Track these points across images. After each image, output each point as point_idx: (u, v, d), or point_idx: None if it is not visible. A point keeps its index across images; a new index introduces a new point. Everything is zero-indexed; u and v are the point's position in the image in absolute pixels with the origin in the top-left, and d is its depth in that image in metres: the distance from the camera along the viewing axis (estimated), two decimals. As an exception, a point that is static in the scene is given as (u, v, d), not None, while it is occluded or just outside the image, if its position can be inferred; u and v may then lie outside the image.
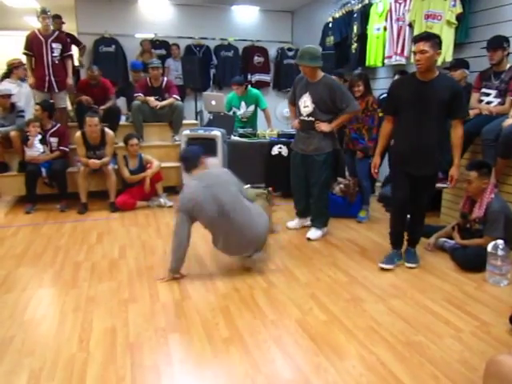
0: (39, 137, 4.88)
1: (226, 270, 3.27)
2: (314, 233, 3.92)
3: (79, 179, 4.82)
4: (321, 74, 3.72)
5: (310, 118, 3.75)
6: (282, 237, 3.99)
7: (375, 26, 5.68)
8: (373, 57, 5.74)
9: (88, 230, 4.18)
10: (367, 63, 5.85)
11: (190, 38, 7.89)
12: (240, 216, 2.99)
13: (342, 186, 4.51)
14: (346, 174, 4.79)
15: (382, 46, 5.58)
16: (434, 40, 2.86)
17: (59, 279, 3.11)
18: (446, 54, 4.57)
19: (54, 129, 4.96)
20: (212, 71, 8.02)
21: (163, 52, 7.67)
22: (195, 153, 3.20)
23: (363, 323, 2.51)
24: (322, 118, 3.73)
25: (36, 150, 4.84)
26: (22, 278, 3.14)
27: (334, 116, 3.77)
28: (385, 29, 5.50)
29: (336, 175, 4.85)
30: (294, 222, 4.22)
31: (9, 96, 5.17)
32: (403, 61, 5.26)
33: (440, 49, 2.92)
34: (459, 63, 4.35)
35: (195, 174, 3.10)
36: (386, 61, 5.52)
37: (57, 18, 6.37)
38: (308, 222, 4.21)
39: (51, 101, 5.18)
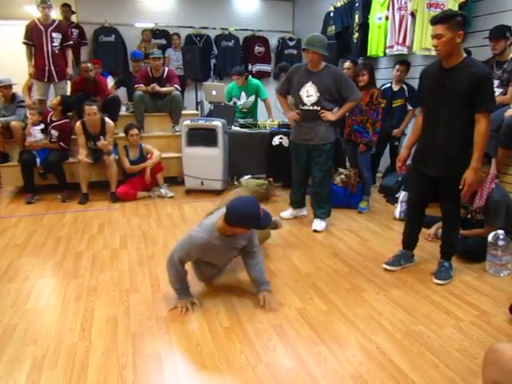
0: (41, 126, 4.88)
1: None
2: (319, 224, 3.91)
3: (80, 169, 4.82)
4: (323, 62, 3.70)
5: (315, 108, 3.70)
6: (283, 227, 3.98)
7: (377, 15, 5.64)
8: (374, 46, 5.71)
9: (89, 220, 4.19)
10: (368, 53, 5.82)
11: (191, 27, 7.83)
12: None
13: (342, 176, 4.50)
14: (347, 164, 4.79)
15: (384, 36, 5.54)
16: (454, 20, 2.48)
17: (61, 269, 3.12)
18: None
19: (59, 122, 4.94)
20: (212, 61, 7.98)
21: (163, 42, 7.61)
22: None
23: (363, 313, 2.52)
24: (327, 107, 3.71)
25: (35, 138, 4.84)
26: (23, 267, 3.16)
27: (335, 105, 3.78)
28: (386, 18, 5.46)
29: (336, 165, 4.87)
30: (288, 212, 4.22)
31: (10, 86, 5.15)
32: (405, 50, 5.22)
33: (463, 29, 2.51)
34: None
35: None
36: (387, 50, 5.48)
37: (65, 7, 6.34)
38: (303, 212, 4.22)
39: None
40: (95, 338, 2.27)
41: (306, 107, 3.74)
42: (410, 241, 3.15)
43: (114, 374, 2.00)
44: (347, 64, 5.19)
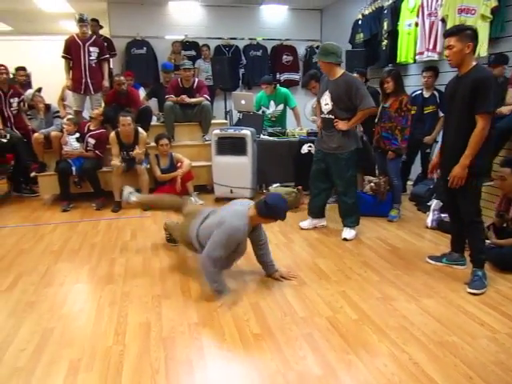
0: (77, 135, 5.06)
1: (255, 267, 3.29)
2: (349, 233, 3.89)
3: (113, 178, 4.96)
4: (340, 71, 3.68)
5: (330, 116, 3.74)
6: (311, 235, 3.99)
7: (406, 21, 5.59)
8: (404, 53, 5.66)
9: (122, 228, 4.30)
10: (398, 60, 5.77)
11: (219, 38, 7.97)
12: None
13: (372, 184, 4.47)
14: (376, 172, 4.75)
15: (414, 42, 5.48)
16: (464, 33, 2.71)
17: (95, 275, 3.22)
18: (481, 48, 4.45)
19: (97, 132, 5.14)
20: (241, 71, 8.08)
21: (193, 53, 7.77)
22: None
23: (395, 322, 2.49)
24: (342, 116, 3.70)
25: (71, 147, 5.03)
26: (60, 273, 3.27)
27: (353, 114, 3.72)
28: (416, 24, 5.41)
29: (365, 173, 4.84)
30: (307, 223, 4.19)
31: (39, 91, 5.37)
32: (435, 57, 5.15)
33: (472, 41, 2.71)
34: (499, 58, 4.18)
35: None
36: (417, 57, 5.42)
37: (93, 21, 6.56)
38: (322, 223, 4.19)
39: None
40: (129, 343, 2.33)
41: (323, 115, 3.81)
42: (454, 242, 3.22)
43: (147, 378, 2.04)
44: (354, 75, 5.16)
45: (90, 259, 3.51)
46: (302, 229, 4.14)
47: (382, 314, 2.58)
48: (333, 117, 3.72)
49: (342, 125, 3.70)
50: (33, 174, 5.36)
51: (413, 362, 2.13)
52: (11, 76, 5.90)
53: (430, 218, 4.16)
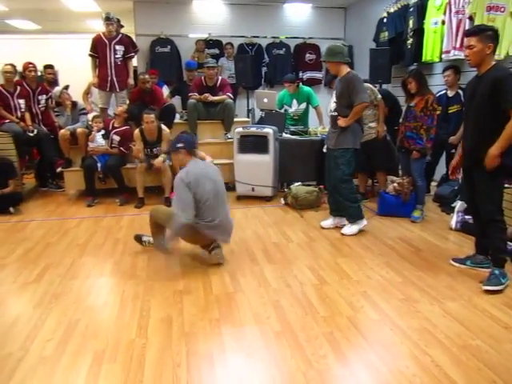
0: (102, 132, 5.16)
1: (276, 265, 3.31)
2: (346, 229, 3.96)
3: (136, 175, 5.04)
4: (346, 70, 3.78)
5: (335, 114, 3.86)
6: (333, 234, 3.98)
7: (432, 19, 5.50)
8: (429, 52, 5.57)
9: (145, 224, 4.31)
10: (423, 58, 5.68)
11: (243, 36, 7.99)
12: (226, 203, 3.39)
13: (395, 184, 4.42)
14: (400, 172, 4.70)
15: (440, 41, 5.39)
16: (485, 33, 2.74)
17: (119, 269, 3.28)
18: (510, 47, 4.36)
19: (121, 129, 5.23)
20: (264, 69, 8.08)
21: (216, 51, 7.82)
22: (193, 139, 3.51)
23: (417, 324, 2.46)
24: (344, 113, 3.80)
25: (97, 144, 5.13)
26: (85, 266, 3.34)
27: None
28: (443, 22, 5.31)
29: (388, 173, 4.80)
30: (329, 222, 4.19)
31: (66, 88, 5.49)
32: (462, 55, 5.04)
33: (493, 42, 2.74)
34: None
35: (191, 160, 3.30)
36: (443, 56, 5.33)
37: (115, 22, 6.64)
38: (344, 222, 4.13)
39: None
40: (151, 336, 2.37)
41: (330, 113, 3.98)
42: (477, 242, 3.18)
43: (169, 372, 2.07)
44: None
45: (113, 254, 3.58)
46: (323, 228, 4.13)
47: (404, 316, 2.55)
48: (337, 114, 3.84)
49: (341, 121, 3.80)
50: (59, 170, 5.49)
51: (435, 365, 2.10)
52: (39, 74, 6.04)
53: (454, 220, 4.08)
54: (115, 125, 5.26)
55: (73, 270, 3.26)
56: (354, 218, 3.97)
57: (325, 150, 5.18)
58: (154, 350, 2.25)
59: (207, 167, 3.41)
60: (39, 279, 3.10)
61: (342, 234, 3.92)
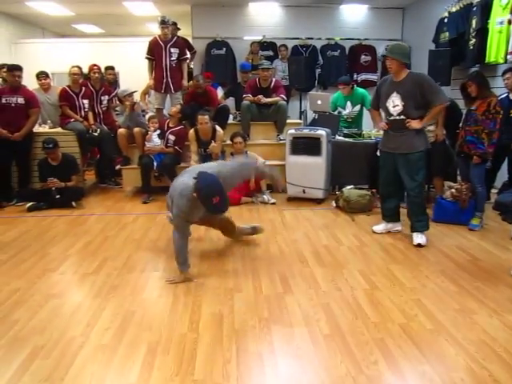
0: (158, 132, 5.35)
1: (327, 268, 3.28)
2: (420, 238, 3.75)
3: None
4: (406, 71, 3.66)
5: (402, 117, 3.67)
6: (385, 239, 3.89)
7: (498, 19, 5.25)
8: (494, 53, 5.31)
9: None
10: (487, 60, 5.43)
11: (297, 38, 7.99)
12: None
13: (453, 190, 4.25)
14: (458, 178, 4.52)
15: (505, 41, 5.13)
16: None
17: (172, 264, 3.36)
18: None
19: (176, 128, 5.40)
20: (317, 71, 8.04)
21: (270, 53, 7.87)
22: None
23: (474, 336, 2.37)
24: (414, 115, 3.63)
25: (153, 143, 5.32)
26: (140, 260, 3.48)
27: (424, 112, 3.66)
28: (509, 22, 5.05)
29: (444, 179, 4.63)
30: (381, 227, 4.08)
31: (132, 94, 5.71)
32: (530, 56, 4.79)
33: None
34: None
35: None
36: (509, 57, 5.07)
37: (171, 24, 6.85)
38: (397, 227, 4.05)
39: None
40: (202, 331, 2.43)
41: (392, 117, 3.74)
42: None
43: (219, 367, 2.12)
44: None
45: (167, 249, 3.68)
46: (375, 232, 4.05)
47: (460, 327, 2.46)
48: (404, 117, 3.66)
49: (415, 124, 3.63)
50: (117, 167, 5.74)
51: (493, 379, 2.01)
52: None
53: (516, 229, 3.88)
54: (170, 125, 5.43)
55: (129, 264, 3.40)
56: (426, 227, 3.81)
57: (378, 154, 5.06)
58: (205, 344, 2.30)
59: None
60: (98, 271, 3.26)
61: (419, 245, 3.69)
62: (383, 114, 3.93)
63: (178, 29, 7.12)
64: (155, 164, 5.29)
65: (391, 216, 4.05)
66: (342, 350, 2.24)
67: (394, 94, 3.68)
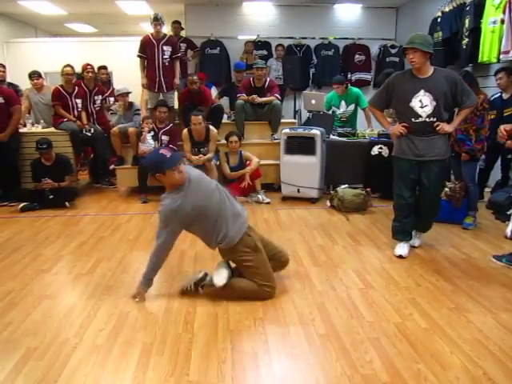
0: (152, 133, 5.31)
1: (321, 267, 3.28)
2: (417, 240, 3.70)
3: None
4: (431, 66, 3.29)
5: (431, 119, 3.24)
6: (380, 239, 3.90)
7: (491, 19, 5.27)
8: (486, 52, 5.34)
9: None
10: (480, 59, 5.46)
11: (291, 38, 7.99)
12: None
13: (446, 189, 4.26)
14: (451, 177, 4.53)
15: (498, 41, 5.16)
16: None
17: (166, 265, 3.30)
18: None
19: (167, 128, 5.38)
20: (311, 70, 8.04)
21: (264, 52, 7.86)
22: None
23: (468, 335, 2.37)
24: (444, 118, 3.28)
25: (148, 145, 5.28)
26: (135, 260, 3.46)
27: (448, 113, 3.35)
28: (502, 22, 5.08)
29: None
30: (406, 250, 3.51)
31: (127, 94, 5.68)
32: (523, 56, 4.82)
33: None
34: None
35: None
36: (501, 56, 5.10)
37: (175, 23, 6.84)
38: (416, 242, 3.70)
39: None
40: (197, 331, 2.42)
41: (420, 119, 3.25)
42: None
43: (214, 367, 2.11)
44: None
45: (161, 250, 3.67)
46: (403, 257, 3.46)
47: (455, 325, 2.47)
48: (434, 119, 3.24)
49: (448, 127, 3.25)
50: (111, 167, 5.71)
51: (487, 378, 2.02)
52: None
53: (509, 228, 3.87)
54: (159, 125, 5.38)
55: (124, 264, 3.38)
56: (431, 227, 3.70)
57: (374, 153, 5.05)
58: (200, 344, 2.29)
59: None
60: (92, 271, 3.24)
61: (414, 247, 3.62)
62: (398, 116, 3.52)
63: (182, 28, 7.12)
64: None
65: (407, 235, 3.57)
66: (337, 350, 2.24)
67: (422, 93, 3.21)
